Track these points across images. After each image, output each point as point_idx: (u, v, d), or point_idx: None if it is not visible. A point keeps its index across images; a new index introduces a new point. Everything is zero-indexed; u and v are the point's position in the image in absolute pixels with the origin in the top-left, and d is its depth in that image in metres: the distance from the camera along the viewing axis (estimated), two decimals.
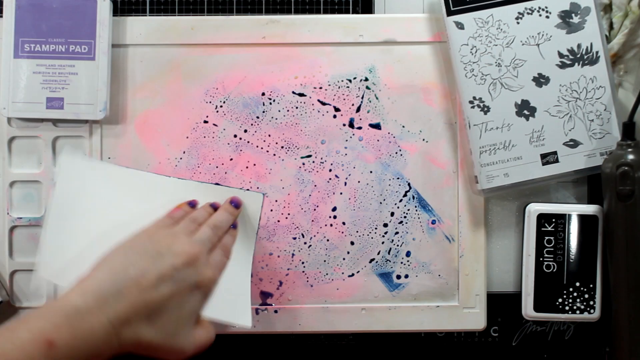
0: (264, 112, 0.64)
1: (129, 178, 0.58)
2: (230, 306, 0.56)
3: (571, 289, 0.63)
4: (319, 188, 0.64)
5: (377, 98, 0.64)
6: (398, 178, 0.64)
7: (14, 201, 0.64)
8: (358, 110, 0.64)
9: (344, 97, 0.64)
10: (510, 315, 0.66)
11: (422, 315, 0.64)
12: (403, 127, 0.64)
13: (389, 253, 0.64)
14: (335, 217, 0.64)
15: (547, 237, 0.63)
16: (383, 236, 0.64)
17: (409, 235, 0.64)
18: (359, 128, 0.64)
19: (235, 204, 0.57)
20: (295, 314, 0.64)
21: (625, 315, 0.61)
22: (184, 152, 0.64)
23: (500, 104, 0.62)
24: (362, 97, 0.64)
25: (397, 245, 0.64)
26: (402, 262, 0.65)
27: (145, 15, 0.66)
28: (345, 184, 0.64)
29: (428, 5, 0.65)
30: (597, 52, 0.62)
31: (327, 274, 0.64)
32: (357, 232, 0.64)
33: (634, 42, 0.64)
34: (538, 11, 0.62)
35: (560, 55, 0.62)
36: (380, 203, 0.64)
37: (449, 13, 0.62)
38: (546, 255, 0.63)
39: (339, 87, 0.64)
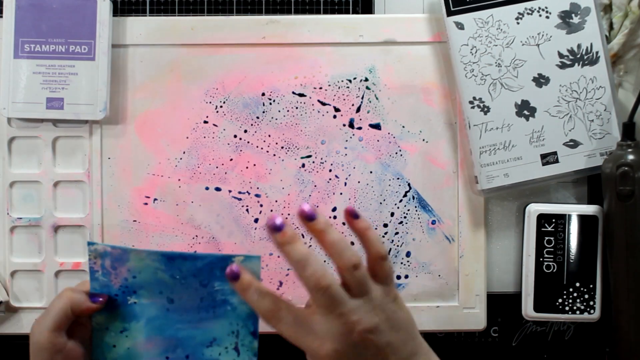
0: (264, 112, 0.64)
1: None
2: None
3: (571, 289, 0.63)
4: (319, 188, 0.64)
5: (377, 98, 0.64)
6: (398, 178, 0.64)
7: (14, 201, 0.64)
8: (358, 110, 0.64)
9: (344, 97, 0.64)
10: (510, 316, 0.66)
11: (422, 315, 0.64)
12: (403, 127, 0.64)
13: (389, 253, 0.64)
14: (335, 217, 0.64)
15: (547, 237, 0.63)
16: (383, 236, 0.64)
17: (409, 236, 0.64)
18: (359, 128, 0.64)
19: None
20: None
21: (625, 315, 0.61)
22: (184, 152, 0.64)
23: (500, 104, 0.62)
24: (362, 97, 0.64)
25: (397, 246, 0.64)
26: (402, 263, 0.65)
27: (145, 16, 0.66)
28: (345, 184, 0.64)
29: (428, 5, 0.65)
30: (597, 53, 0.62)
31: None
32: None
33: (634, 42, 0.64)
34: (538, 11, 0.62)
35: (560, 55, 0.62)
36: (380, 203, 0.64)
37: (449, 13, 0.62)
38: (546, 256, 0.63)
39: (339, 87, 0.64)
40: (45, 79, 0.62)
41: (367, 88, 0.64)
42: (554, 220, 0.63)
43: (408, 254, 0.64)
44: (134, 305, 0.50)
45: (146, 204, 0.64)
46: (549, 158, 0.62)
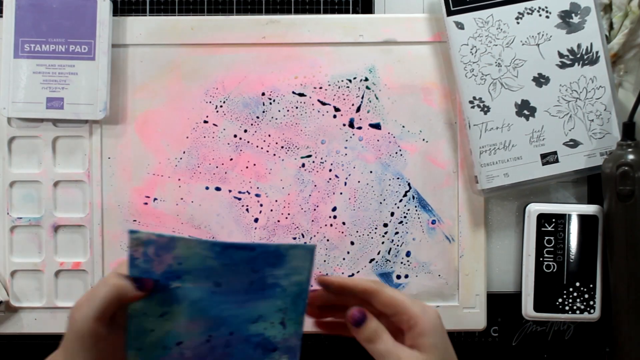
0: (264, 112, 0.64)
1: None
2: None
3: (571, 289, 0.63)
4: (319, 188, 0.64)
5: (377, 98, 0.64)
6: (398, 178, 0.64)
7: (14, 201, 0.64)
8: (358, 110, 0.64)
9: (344, 97, 0.64)
10: (510, 315, 0.66)
11: None
12: (403, 127, 0.64)
13: (389, 253, 0.64)
14: (335, 217, 0.64)
15: (547, 237, 0.63)
16: (383, 236, 0.64)
17: (409, 235, 0.64)
18: (359, 128, 0.64)
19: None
20: None
21: (625, 315, 0.61)
22: (184, 152, 0.64)
23: (500, 104, 0.62)
24: (362, 97, 0.64)
25: (397, 245, 0.64)
26: (402, 262, 0.65)
27: (145, 15, 0.66)
28: (345, 184, 0.64)
29: (428, 5, 0.65)
30: (597, 52, 0.62)
31: (327, 274, 0.64)
32: (357, 232, 0.64)
33: (634, 42, 0.64)
34: (538, 11, 0.62)
35: (560, 55, 0.62)
36: (380, 203, 0.64)
37: (449, 13, 0.62)
38: (546, 255, 0.63)
39: (339, 87, 0.64)
40: (45, 79, 0.62)
41: (367, 88, 0.64)
42: (554, 220, 0.63)
43: (408, 254, 0.64)
44: (177, 289, 0.48)
45: (146, 204, 0.64)
46: (549, 158, 0.62)
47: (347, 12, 0.66)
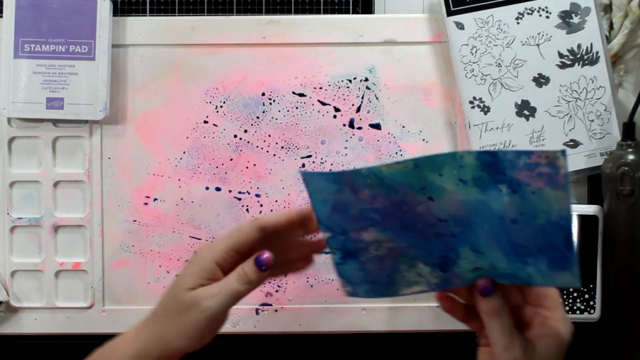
0: (264, 112, 0.64)
1: None
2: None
3: (571, 289, 0.63)
4: None
5: (377, 98, 0.64)
6: None
7: (14, 201, 0.64)
8: (358, 110, 0.64)
9: (344, 97, 0.64)
10: None
11: (422, 315, 0.64)
12: (403, 127, 0.64)
13: None
14: None
15: None
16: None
17: None
18: (359, 128, 0.64)
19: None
20: (295, 314, 0.64)
21: (625, 315, 0.61)
22: (184, 152, 0.64)
23: (500, 104, 0.62)
24: (362, 97, 0.64)
25: None
26: None
27: (145, 16, 0.66)
28: None
29: (428, 5, 0.65)
30: (597, 52, 0.62)
31: (327, 274, 0.64)
32: None
33: (634, 42, 0.64)
34: (538, 11, 0.62)
35: (560, 55, 0.62)
36: None
37: (449, 13, 0.62)
38: None
39: (339, 87, 0.64)
40: (45, 79, 0.62)
41: (367, 88, 0.64)
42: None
43: None
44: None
45: (146, 204, 0.64)
46: None
47: (347, 12, 0.66)
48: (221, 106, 0.64)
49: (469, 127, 0.62)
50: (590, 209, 0.63)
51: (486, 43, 0.62)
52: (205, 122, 0.64)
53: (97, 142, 0.64)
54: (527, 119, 0.62)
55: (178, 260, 0.64)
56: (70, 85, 0.62)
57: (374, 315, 0.64)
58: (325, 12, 0.66)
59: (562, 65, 0.62)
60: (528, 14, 0.62)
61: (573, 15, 0.62)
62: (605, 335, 0.65)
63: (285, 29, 0.64)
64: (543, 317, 0.47)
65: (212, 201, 0.64)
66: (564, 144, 0.62)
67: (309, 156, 0.64)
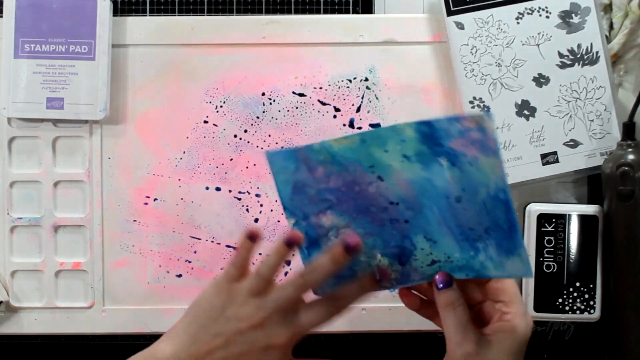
0: (264, 112, 0.64)
1: None
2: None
3: (571, 289, 0.63)
4: None
5: (377, 98, 0.64)
6: None
7: (14, 201, 0.64)
8: (358, 110, 0.64)
9: (344, 97, 0.64)
10: None
11: None
12: None
13: None
14: None
15: (547, 237, 0.63)
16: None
17: None
18: (359, 128, 0.64)
19: (289, 243, 0.48)
20: None
21: (625, 315, 0.61)
22: (184, 152, 0.64)
23: (500, 104, 0.62)
24: (362, 97, 0.64)
25: None
26: None
27: (145, 15, 0.66)
28: None
29: (428, 5, 0.65)
30: (597, 52, 0.62)
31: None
32: None
33: (634, 42, 0.64)
34: (538, 11, 0.62)
35: (560, 55, 0.62)
36: None
37: (449, 13, 0.62)
38: (546, 255, 0.63)
39: (339, 87, 0.64)
40: (45, 79, 0.62)
41: (367, 88, 0.64)
42: (554, 220, 0.63)
43: None
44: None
45: (146, 204, 0.64)
46: (549, 158, 0.62)
47: (347, 12, 0.66)
48: (221, 106, 0.64)
49: None
50: (590, 209, 0.63)
51: (486, 43, 0.62)
52: (205, 122, 0.64)
53: (97, 142, 0.64)
54: (527, 119, 0.62)
55: (178, 260, 0.64)
56: (70, 85, 0.62)
57: (374, 315, 0.64)
58: (325, 12, 0.66)
59: (562, 65, 0.62)
60: (528, 14, 0.62)
61: (573, 15, 0.62)
62: (605, 335, 0.65)
63: (285, 29, 0.64)
64: (501, 312, 0.47)
65: (212, 201, 0.64)
66: (564, 144, 0.62)
67: None
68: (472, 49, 0.62)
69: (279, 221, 0.64)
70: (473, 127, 0.42)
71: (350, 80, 0.64)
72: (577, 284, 0.63)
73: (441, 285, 0.47)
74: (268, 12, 0.66)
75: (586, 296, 0.63)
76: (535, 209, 0.63)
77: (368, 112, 0.64)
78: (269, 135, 0.64)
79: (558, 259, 0.63)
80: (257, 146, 0.64)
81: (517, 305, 0.47)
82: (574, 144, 0.62)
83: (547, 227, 0.63)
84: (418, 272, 0.48)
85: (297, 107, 0.64)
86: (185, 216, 0.64)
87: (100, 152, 0.64)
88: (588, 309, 0.63)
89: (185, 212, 0.64)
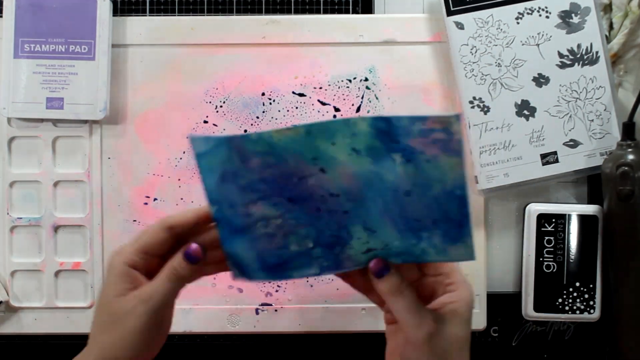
0: (264, 112, 0.64)
1: None
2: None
3: (571, 289, 0.63)
4: None
5: (377, 98, 0.64)
6: None
7: (14, 201, 0.64)
8: (358, 110, 0.64)
9: (344, 97, 0.64)
10: (510, 315, 0.66)
11: None
12: None
13: None
14: None
15: (547, 237, 0.63)
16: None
17: None
18: None
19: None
20: (295, 314, 0.64)
21: (625, 315, 0.61)
22: (184, 152, 0.64)
23: (500, 104, 0.62)
24: (362, 97, 0.64)
25: None
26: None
27: (145, 15, 0.66)
28: None
29: (428, 5, 0.65)
30: (597, 52, 0.62)
31: None
32: None
33: (634, 42, 0.64)
34: (538, 11, 0.62)
35: (560, 55, 0.62)
36: None
37: (449, 13, 0.62)
38: (546, 255, 0.63)
39: (339, 87, 0.64)
40: (45, 79, 0.62)
41: (367, 88, 0.64)
42: (554, 220, 0.63)
43: None
44: None
45: (146, 204, 0.64)
46: (549, 158, 0.62)
47: (347, 12, 0.66)
48: (221, 106, 0.64)
49: (469, 127, 0.62)
50: (590, 209, 0.63)
51: (486, 43, 0.62)
52: (205, 122, 0.64)
53: (97, 142, 0.64)
54: (527, 119, 0.62)
55: None
56: (70, 85, 0.62)
57: (374, 315, 0.64)
58: (325, 12, 0.66)
59: (562, 65, 0.62)
60: (528, 14, 0.62)
61: (573, 15, 0.62)
62: (605, 335, 0.65)
63: (285, 29, 0.64)
64: (443, 284, 0.46)
65: None
66: (563, 144, 0.62)
67: None
68: (472, 49, 0.62)
69: None
70: (438, 127, 0.41)
71: (350, 80, 0.64)
72: (577, 284, 0.63)
73: (379, 272, 0.45)
74: (268, 12, 0.66)
75: (586, 296, 0.63)
76: (535, 209, 0.63)
77: (368, 112, 0.64)
78: None
79: (558, 259, 0.63)
80: None
81: (456, 273, 0.47)
82: (573, 144, 0.62)
83: (547, 227, 0.63)
84: (351, 260, 0.47)
85: (297, 107, 0.64)
86: None
87: (100, 152, 0.64)
88: (588, 309, 0.63)
89: None
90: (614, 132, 0.62)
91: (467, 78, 0.62)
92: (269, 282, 0.50)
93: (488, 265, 0.65)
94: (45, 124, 0.64)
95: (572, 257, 0.63)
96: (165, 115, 0.64)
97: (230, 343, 0.66)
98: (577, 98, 0.62)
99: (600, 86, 0.62)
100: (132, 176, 0.64)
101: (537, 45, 0.62)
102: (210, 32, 0.64)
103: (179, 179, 0.64)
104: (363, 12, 0.66)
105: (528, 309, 0.64)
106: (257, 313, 0.64)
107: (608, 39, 0.64)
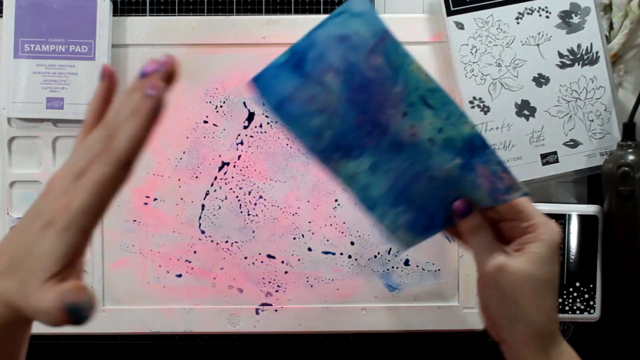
0: (263, 112, 0.64)
1: None
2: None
3: (571, 289, 0.63)
4: (319, 188, 0.64)
5: None
6: None
7: (14, 201, 0.64)
8: None
9: None
10: None
11: (422, 315, 0.64)
12: None
13: (389, 253, 0.64)
14: (335, 216, 0.64)
15: None
16: (383, 236, 0.64)
17: None
18: None
19: (142, 74, 0.40)
20: (295, 314, 0.64)
21: (625, 315, 0.61)
22: (184, 152, 0.64)
23: (500, 104, 0.62)
24: None
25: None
26: (402, 262, 0.64)
27: (145, 15, 0.66)
28: None
29: (428, 5, 0.65)
30: (597, 52, 0.62)
31: (327, 274, 0.64)
32: (357, 232, 0.64)
33: (634, 42, 0.64)
34: (538, 11, 0.62)
35: (560, 55, 0.62)
36: None
37: (449, 13, 0.62)
38: None
39: None
40: (45, 79, 0.62)
41: None
42: (554, 220, 0.63)
43: (408, 254, 0.64)
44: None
45: (146, 204, 0.64)
46: (549, 158, 0.62)
47: None
48: (221, 106, 0.64)
49: None
50: (590, 209, 0.63)
51: (486, 43, 0.62)
52: (205, 122, 0.64)
53: None
54: (527, 119, 0.62)
55: (178, 260, 0.64)
56: (70, 85, 0.62)
57: (374, 315, 0.64)
58: (325, 12, 0.66)
59: (562, 65, 0.62)
60: (528, 14, 0.62)
61: (573, 15, 0.62)
62: (605, 335, 0.65)
63: (285, 29, 0.64)
64: (521, 227, 0.47)
65: (212, 201, 0.64)
66: (564, 144, 0.62)
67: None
68: (472, 49, 0.62)
69: (279, 221, 0.64)
70: (506, 181, 0.46)
71: None
72: (577, 284, 0.63)
73: (463, 212, 0.47)
74: (268, 12, 0.66)
75: (586, 296, 0.63)
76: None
77: None
78: (269, 135, 0.64)
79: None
80: (257, 146, 0.64)
81: (536, 216, 0.47)
82: (574, 144, 0.62)
83: None
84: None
85: None
86: (185, 216, 0.64)
87: None
88: (588, 309, 0.63)
89: (185, 212, 0.64)
90: (614, 132, 0.62)
91: (467, 78, 0.62)
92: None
93: None
94: (45, 124, 0.64)
95: (572, 257, 0.63)
96: (165, 115, 0.64)
97: (230, 343, 0.66)
98: (577, 98, 0.62)
99: (600, 86, 0.62)
100: (132, 176, 0.64)
101: (537, 45, 0.62)
102: (210, 32, 0.64)
103: (179, 179, 0.64)
104: None
105: None
106: (257, 313, 0.64)
107: (608, 39, 0.64)
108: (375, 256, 0.64)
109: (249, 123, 0.64)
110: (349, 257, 0.64)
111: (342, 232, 0.64)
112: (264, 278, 0.64)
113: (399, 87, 0.45)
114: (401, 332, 0.65)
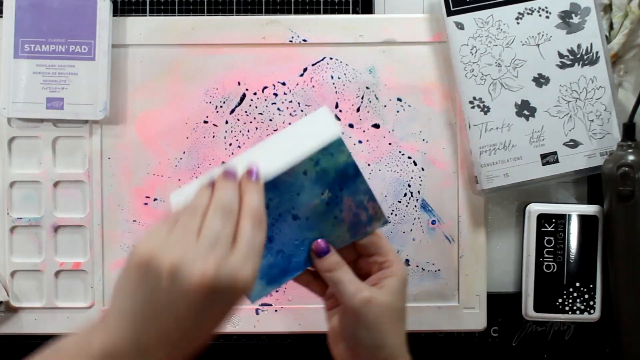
0: (263, 112, 0.64)
1: None
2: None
3: (571, 289, 0.63)
4: None
5: (377, 98, 0.64)
6: (398, 178, 0.64)
7: (14, 201, 0.64)
8: (358, 110, 0.64)
9: (344, 97, 0.64)
10: (510, 316, 0.66)
11: (422, 315, 0.64)
12: (403, 127, 0.64)
13: None
14: None
15: (547, 237, 0.63)
16: None
17: (409, 236, 0.64)
18: (359, 128, 0.64)
19: (230, 174, 0.46)
20: (295, 314, 0.64)
21: (625, 315, 0.61)
22: (184, 152, 0.64)
23: (500, 104, 0.62)
24: (362, 98, 0.64)
25: (397, 246, 0.64)
26: None
27: (145, 16, 0.66)
28: None
29: (428, 5, 0.65)
30: (597, 53, 0.62)
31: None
32: None
33: (634, 42, 0.64)
34: (538, 11, 0.62)
35: (560, 55, 0.62)
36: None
37: (449, 13, 0.62)
38: (546, 256, 0.63)
39: (339, 87, 0.64)
40: (45, 79, 0.62)
41: (367, 88, 0.64)
42: (554, 220, 0.63)
43: (408, 255, 0.64)
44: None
45: (146, 204, 0.64)
46: (549, 158, 0.62)
47: (347, 12, 0.66)
48: (221, 106, 0.64)
49: (469, 127, 0.62)
50: (590, 209, 0.63)
51: (486, 43, 0.62)
52: (205, 122, 0.64)
53: (97, 142, 0.64)
54: (527, 119, 0.62)
55: None
56: (70, 85, 0.62)
57: None
58: (325, 12, 0.66)
59: (562, 65, 0.62)
60: (528, 14, 0.62)
61: (573, 15, 0.62)
62: (605, 335, 0.66)
63: (285, 29, 0.64)
64: (378, 263, 0.51)
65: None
66: (564, 144, 0.62)
67: None
68: (472, 49, 0.62)
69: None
70: (370, 211, 0.50)
71: (350, 81, 0.64)
72: (577, 284, 0.63)
73: (322, 252, 0.50)
74: (268, 12, 0.66)
75: (586, 296, 0.63)
76: (535, 209, 0.64)
77: (368, 112, 0.64)
78: (269, 135, 0.64)
79: (558, 259, 0.63)
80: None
81: (390, 252, 0.52)
82: (574, 144, 0.62)
83: (547, 227, 0.63)
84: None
85: (297, 107, 0.64)
86: None
87: (100, 152, 0.64)
88: (588, 309, 0.63)
89: None
90: (614, 133, 0.62)
91: (467, 78, 0.62)
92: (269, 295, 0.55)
93: (488, 265, 0.65)
94: (45, 124, 0.64)
95: (572, 257, 0.63)
96: (165, 115, 0.64)
97: (230, 343, 0.66)
98: (577, 98, 0.62)
99: (600, 86, 0.62)
100: (132, 176, 0.64)
101: (537, 45, 0.62)
102: (210, 32, 0.64)
103: (179, 179, 0.64)
104: (363, 12, 0.66)
105: (528, 309, 0.64)
106: (257, 313, 0.64)
107: (608, 39, 0.64)
108: None
109: (249, 123, 0.64)
110: None
111: None
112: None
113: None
114: None
